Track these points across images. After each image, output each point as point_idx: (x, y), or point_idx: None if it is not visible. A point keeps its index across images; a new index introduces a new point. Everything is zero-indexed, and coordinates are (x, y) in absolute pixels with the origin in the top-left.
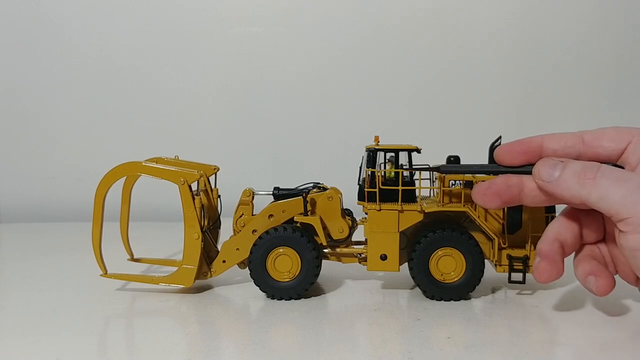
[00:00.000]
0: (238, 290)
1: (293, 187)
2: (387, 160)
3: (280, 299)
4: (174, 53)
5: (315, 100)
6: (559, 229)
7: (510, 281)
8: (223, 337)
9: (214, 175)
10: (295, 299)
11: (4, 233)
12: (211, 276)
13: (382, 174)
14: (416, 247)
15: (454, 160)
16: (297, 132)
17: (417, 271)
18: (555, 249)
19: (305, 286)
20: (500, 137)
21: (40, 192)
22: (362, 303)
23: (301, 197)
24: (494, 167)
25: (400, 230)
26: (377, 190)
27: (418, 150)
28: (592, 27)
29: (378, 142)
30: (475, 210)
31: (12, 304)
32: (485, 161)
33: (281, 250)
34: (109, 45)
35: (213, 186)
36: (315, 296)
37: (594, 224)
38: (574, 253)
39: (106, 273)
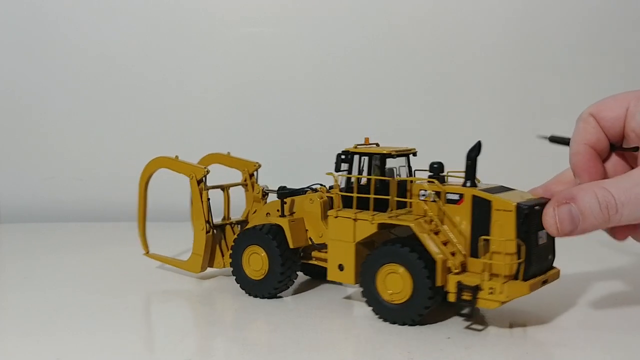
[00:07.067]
0: (238, 290)
1: (304, 186)
2: (373, 164)
3: (255, 296)
4: (174, 53)
5: (317, 101)
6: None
7: (458, 312)
8: (223, 337)
9: (254, 172)
10: (267, 298)
11: (4, 233)
12: (224, 266)
13: (342, 179)
14: (363, 262)
15: (437, 167)
16: (298, 132)
17: (365, 289)
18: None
19: (274, 285)
20: (479, 142)
21: (40, 192)
22: (363, 303)
23: (301, 195)
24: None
25: (356, 240)
26: (335, 195)
27: (391, 155)
28: (594, 29)
29: (368, 143)
30: (429, 224)
31: (12, 304)
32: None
33: (254, 249)
34: (109, 45)
35: (256, 182)
36: (315, 296)
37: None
38: None
39: (148, 252)
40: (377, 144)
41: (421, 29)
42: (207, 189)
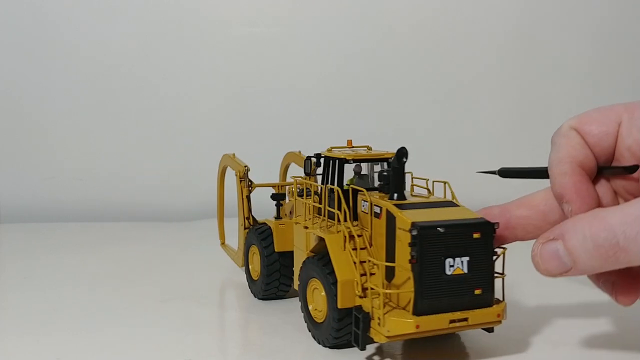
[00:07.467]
0: (239, 290)
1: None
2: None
3: (256, 297)
4: (174, 54)
5: (318, 101)
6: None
7: (353, 342)
8: (223, 337)
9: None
10: (263, 300)
11: (4, 233)
12: None
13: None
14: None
15: (386, 175)
16: (298, 132)
17: (302, 305)
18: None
19: (263, 287)
20: (403, 148)
21: (40, 192)
22: None
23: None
24: None
25: (308, 249)
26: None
27: (347, 161)
28: (596, 29)
29: (351, 145)
30: (346, 238)
31: (12, 304)
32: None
33: (254, 249)
34: (109, 46)
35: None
36: None
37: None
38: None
39: (223, 243)
40: (369, 147)
41: (422, 29)
42: (252, 186)
